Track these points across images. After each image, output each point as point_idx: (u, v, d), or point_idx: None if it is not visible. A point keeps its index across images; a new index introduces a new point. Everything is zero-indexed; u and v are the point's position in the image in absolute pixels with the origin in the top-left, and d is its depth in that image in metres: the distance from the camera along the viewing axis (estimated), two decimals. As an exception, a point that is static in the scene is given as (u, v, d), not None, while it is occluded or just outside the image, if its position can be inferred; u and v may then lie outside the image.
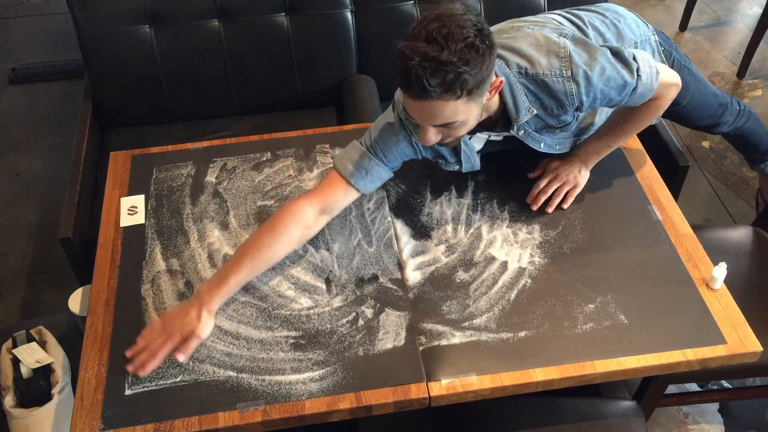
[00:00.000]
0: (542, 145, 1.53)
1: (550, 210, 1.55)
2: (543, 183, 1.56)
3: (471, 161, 1.53)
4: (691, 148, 2.81)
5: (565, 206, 1.55)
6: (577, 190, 1.57)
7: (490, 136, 1.53)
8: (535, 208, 1.55)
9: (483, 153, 1.58)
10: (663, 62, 1.71)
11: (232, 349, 1.32)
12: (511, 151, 1.63)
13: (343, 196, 1.44)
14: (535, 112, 1.41)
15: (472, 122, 1.33)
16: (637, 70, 1.40)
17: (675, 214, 1.54)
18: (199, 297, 1.34)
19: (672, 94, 1.51)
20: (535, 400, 1.53)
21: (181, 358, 1.29)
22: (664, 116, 1.68)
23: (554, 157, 1.59)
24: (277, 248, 1.39)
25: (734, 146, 2.22)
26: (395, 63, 1.21)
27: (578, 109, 1.42)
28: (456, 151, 1.50)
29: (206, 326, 1.32)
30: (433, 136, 1.32)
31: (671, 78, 1.48)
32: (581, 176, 1.57)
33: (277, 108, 2.32)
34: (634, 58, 1.40)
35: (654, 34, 1.68)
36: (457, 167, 1.54)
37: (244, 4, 2.14)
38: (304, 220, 1.40)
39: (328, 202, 1.43)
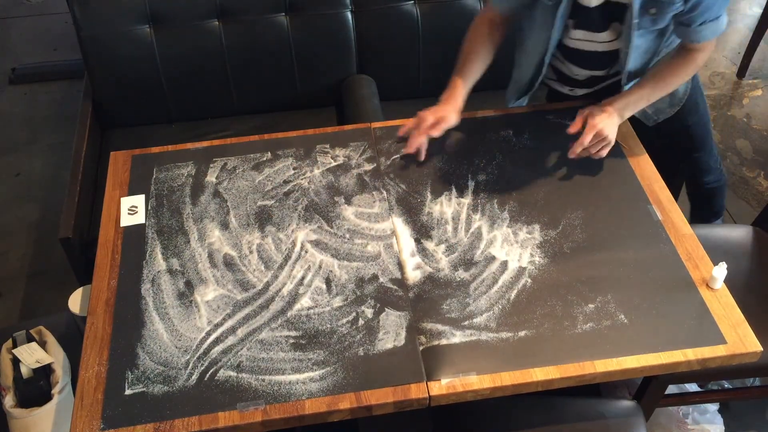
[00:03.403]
0: (636, 25, 1.52)
1: (590, 152, 1.60)
2: (587, 139, 1.57)
3: (568, 2, 1.54)
4: (691, 148, 2.81)
5: (598, 156, 1.60)
6: (610, 146, 1.59)
7: None
8: (575, 154, 1.59)
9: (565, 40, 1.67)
10: None
11: (231, 349, 1.32)
12: (514, 149, 1.64)
13: (495, 15, 1.69)
14: None
15: None
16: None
17: (675, 214, 1.54)
18: (443, 100, 1.65)
19: (707, 55, 1.59)
20: (535, 400, 1.53)
21: (435, 133, 1.63)
22: (668, 148, 1.70)
23: (591, 109, 1.61)
24: (481, 50, 1.68)
25: (694, 201, 2.27)
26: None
27: None
28: None
29: (452, 114, 1.63)
30: None
31: (714, 43, 1.58)
32: (615, 130, 1.59)
33: (277, 108, 2.32)
34: None
35: None
36: None
37: (244, 4, 2.14)
38: (487, 29, 1.69)
39: (491, 19, 1.69)
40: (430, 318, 1.36)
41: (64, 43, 3.38)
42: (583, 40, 1.63)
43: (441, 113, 1.63)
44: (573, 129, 1.60)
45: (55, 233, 1.83)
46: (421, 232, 1.52)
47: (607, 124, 1.56)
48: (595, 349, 1.30)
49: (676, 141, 1.96)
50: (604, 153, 1.60)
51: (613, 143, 1.59)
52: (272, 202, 1.60)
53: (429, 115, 1.63)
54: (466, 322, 1.35)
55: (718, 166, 2.10)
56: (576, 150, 1.58)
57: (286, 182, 1.64)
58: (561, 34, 1.64)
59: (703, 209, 2.26)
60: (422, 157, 1.65)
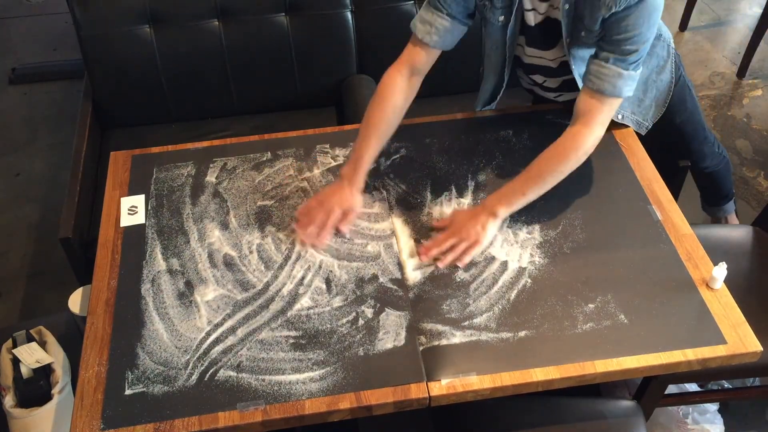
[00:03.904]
0: (568, 44, 1.51)
1: (441, 265, 1.43)
2: (441, 238, 1.47)
3: (515, 22, 1.52)
4: (691, 148, 2.81)
5: (461, 264, 1.43)
6: (478, 247, 1.45)
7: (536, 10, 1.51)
8: (424, 259, 1.44)
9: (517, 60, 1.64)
10: (672, 73, 1.73)
11: (231, 349, 1.32)
12: (512, 149, 1.63)
13: (421, 54, 1.54)
14: None
15: None
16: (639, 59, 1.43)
17: (675, 214, 1.54)
18: (345, 178, 1.52)
19: (593, 141, 1.47)
20: (535, 400, 1.53)
21: (346, 229, 1.50)
22: (660, 145, 1.70)
23: (461, 212, 1.52)
24: (388, 118, 1.55)
25: (699, 184, 2.30)
26: None
27: (611, 15, 1.38)
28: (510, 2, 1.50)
29: (358, 201, 1.53)
30: None
31: (608, 119, 1.48)
32: (485, 232, 1.45)
33: (277, 108, 2.32)
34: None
35: (672, 43, 1.73)
36: (501, 18, 1.52)
37: (244, 4, 2.14)
38: (399, 86, 1.55)
39: (412, 63, 1.55)
40: (430, 318, 1.36)
41: (64, 43, 3.38)
42: (535, 56, 1.63)
43: (347, 201, 1.50)
44: (439, 223, 1.51)
45: (55, 233, 1.83)
46: (421, 232, 1.52)
47: (469, 223, 1.45)
48: (595, 349, 1.30)
49: (670, 141, 1.96)
50: (465, 256, 1.43)
51: (481, 244, 1.45)
52: (272, 202, 1.60)
53: (336, 206, 1.49)
54: (466, 323, 1.35)
55: (715, 150, 2.10)
56: (428, 244, 1.45)
57: (286, 182, 1.64)
58: (515, 50, 1.63)
59: (709, 192, 2.28)
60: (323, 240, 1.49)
